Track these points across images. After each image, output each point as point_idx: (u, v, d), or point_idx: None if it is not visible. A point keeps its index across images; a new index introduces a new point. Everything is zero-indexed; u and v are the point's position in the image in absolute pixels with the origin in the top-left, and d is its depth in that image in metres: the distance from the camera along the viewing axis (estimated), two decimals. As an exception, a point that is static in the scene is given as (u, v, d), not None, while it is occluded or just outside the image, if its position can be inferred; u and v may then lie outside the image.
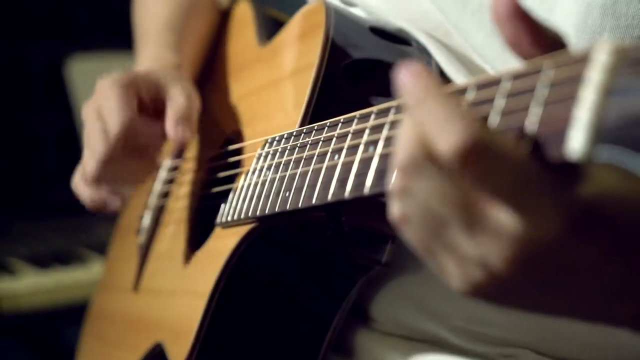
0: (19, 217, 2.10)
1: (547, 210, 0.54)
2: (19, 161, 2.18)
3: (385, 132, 0.72)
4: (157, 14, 1.24)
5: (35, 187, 2.17)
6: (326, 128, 0.82)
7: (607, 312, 0.61)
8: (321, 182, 0.79)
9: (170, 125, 1.03)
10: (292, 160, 0.86)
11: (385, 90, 0.92)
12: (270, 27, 1.12)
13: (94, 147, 1.04)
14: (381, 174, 0.70)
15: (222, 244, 0.96)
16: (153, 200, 1.21)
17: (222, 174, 1.04)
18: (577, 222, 0.55)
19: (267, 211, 0.88)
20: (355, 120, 0.78)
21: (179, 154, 1.18)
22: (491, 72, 0.91)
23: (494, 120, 0.59)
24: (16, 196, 2.16)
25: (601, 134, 0.51)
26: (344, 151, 0.77)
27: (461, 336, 0.93)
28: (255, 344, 0.96)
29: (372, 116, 0.75)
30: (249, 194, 0.92)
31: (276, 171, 0.88)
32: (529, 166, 0.55)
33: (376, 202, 0.72)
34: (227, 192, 0.99)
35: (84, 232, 2.01)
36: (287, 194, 0.85)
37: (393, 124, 0.71)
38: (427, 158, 0.57)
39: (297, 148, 0.86)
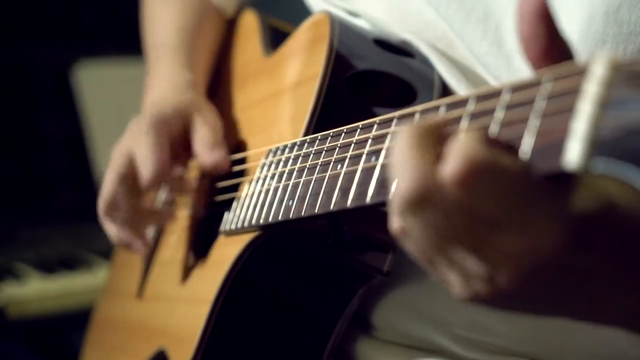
0: (26, 222, 2.11)
1: (549, 225, 0.55)
2: (26, 166, 2.19)
3: (387, 143, 0.73)
4: (168, 26, 1.25)
5: (42, 192, 2.18)
6: (329, 138, 0.83)
7: (611, 311, 0.62)
8: (324, 191, 0.80)
9: (205, 152, 1.04)
10: (296, 169, 0.87)
11: (388, 101, 0.93)
12: (275, 37, 1.13)
13: (106, 188, 1.07)
14: (383, 183, 0.71)
15: (225, 251, 0.97)
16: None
17: (226, 183, 1.05)
18: (578, 233, 0.56)
19: (270, 219, 0.88)
20: (358, 130, 0.78)
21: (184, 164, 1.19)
22: (493, 83, 0.92)
23: (494, 131, 0.60)
24: (23, 201, 2.17)
25: (598, 145, 0.52)
26: (347, 161, 0.78)
27: (462, 345, 0.94)
28: (257, 351, 0.96)
29: (375, 126, 0.76)
30: (252, 202, 0.93)
31: (280, 180, 0.89)
32: (527, 183, 0.56)
33: (378, 212, 0.73)
34: (231, 200, 1.00)
35: (91, 237, 2.02)
36: (290, 203, 0.85)
37: (395, 135, 0.72)
38: (425, 187, 0.58)
39: (300, 157, 0.87)
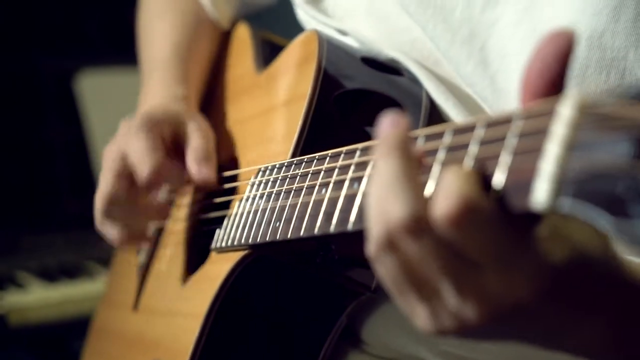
0: (28, 231, 2.13)
1: (529, 273, 0.56)
2: (28, 174, 2.21)
3: (369, 170, 0.74)
4: (162, 41, 1.26)
5: (44, 200, 2.19)
6: (315, 161, 0.84)
7: (581, 345, 0.63)
8: (309, 215, 0.81)
9: (193, 166, 1.05)
10: (283, 191, 0.88)
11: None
12: (267, 52, 1.14)
13: (104, 187, 1.08)
14: (364, 211, 0.72)
15: (216, 268, 0.98)
16: (157, 204, 1.23)
17: (217, 200, 1.06)
18: (554, 284, 0.57)
19: (258, 240, 0.90)
20: (342, 156, 0.80)
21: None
22: (479, 102, 0.93)
23: (468, 165, 0.61)
24: (25, 209, 2.18)
25: (564, 187, 0.53)
26: (331, 185, 0.79)
27: (449, 361, 0.95)
28: (247, 366, 0.98)
29: (358, 152, 0.77)
30: (241, 221, 0.95)
31: (267, 201, 0.91)
32: (499, 227, 0.56)
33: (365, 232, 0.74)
34: (223, 217, 1.01)
35: (92, 245, 2.03)
36: (277, 224, 0.87)
37: (378, 163, 0.73)
38: (415, 219, 0.59)
39: (287, 179, 0.88)
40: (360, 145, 0.77)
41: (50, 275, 1.98)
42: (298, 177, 0.86)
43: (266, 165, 0.95)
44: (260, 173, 0.95)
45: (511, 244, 0.57)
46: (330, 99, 0.93)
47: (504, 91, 0.89)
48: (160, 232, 1.22)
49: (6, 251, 2.02)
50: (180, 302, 1.07)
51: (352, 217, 0.73)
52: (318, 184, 0.82)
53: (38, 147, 2.18)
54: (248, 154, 1.06)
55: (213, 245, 1.01)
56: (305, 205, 0.82)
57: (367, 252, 0.64)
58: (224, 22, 1.30)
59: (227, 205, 1.02)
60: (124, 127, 1.09)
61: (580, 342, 0.63)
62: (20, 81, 2.21)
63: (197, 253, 1.09)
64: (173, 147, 1.09)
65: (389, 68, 0.98)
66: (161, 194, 1.12)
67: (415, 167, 0.61)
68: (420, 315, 0.62)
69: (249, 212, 0.94)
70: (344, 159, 0.79)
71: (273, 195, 0.90)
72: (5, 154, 2.15)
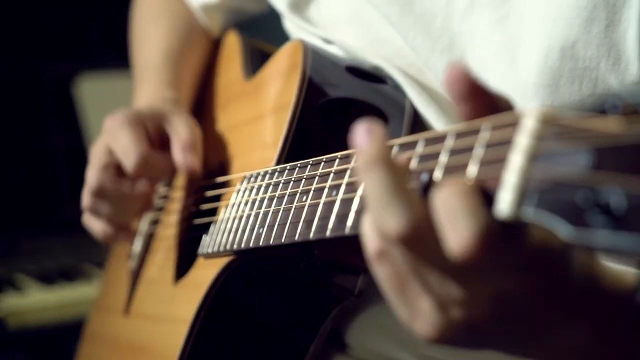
0: (28, 234, 2.14)
1: (484, 291, 0.59)
2: (28, 177, 2.22)
3: (346, 178, 0.75)
4: (155, 48, 1.28)
5: (43, 204, 2.21)
6: (297, 169, 0.86)
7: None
8: (290, 222, 0.82)
9: (179, 154, 1.07)
10: (267, 197, 0.89)
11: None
12: (256, 60, 1.15)
13: (90, 181, 1.09)
14: (342, 218, 0.74)
15: (203, 274, 1.00)
16: (144, 227, 1.24)
17: (205, 206, 1.08)
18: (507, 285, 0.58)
19: (242, 246, 0.91)
20: (323, 164, 0.81)
21: (169, 182, 1.22)
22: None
23: (438, 175, 0.62)
24: (25, 213, 2.20)
25: (527, 196, 0.54)
26: (311, 193, 0.80)
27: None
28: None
29: (337, 161, 0.78)
30: (227, 227, 0.96)
31: (252, 207, 0.92)
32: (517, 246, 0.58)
33: (348, 237, 0.75)
34: (210, 223, 1.03)
35: (91, 249, 2.05)
36: (260, 231, 0.88)
37: (354, 170, 0.74)
38: (388, 243, 0.61)
39: (271, 186, 0.90)
40: (339, 154, 0.79)
41: (49, 278, 1.99)
42: (281, 184, 0.88)
43: (252, 172, 0.96)
44: (246, 180, 0.97)
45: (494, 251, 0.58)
46: (315, 107, 0.95)
47: None
48: (151, 237, 1.23)
49: (5, 254, 2.04)
50: (169, 307, 1.09)
51: (331, 224, 0.75)
52: (299, 191, 0.83)
53: (38, 151, 2.20)
54: (235, 160, 1.08)
55: (200, 250, 1.02)
56: (287, 212, 0.84)
57: (367, 247, 0.64)
58: (215, 30, 1.32)
59: (213, 212, 1.04)
60: (108, 122, 1.11)
61: (559, 348, 0.64)
62: (20, 85, 2.22)
63: (186, 258, 1.10)
64: (158, 141, 1.11)
65: (373, 76, 1.00)
66: (147, 186, 1.14)
67: (401, 176, 0.60)
68: (425, 311, 0.63)
69: (234, 219, 0.95)
70: (324, 167, 0.80)
71: (257, 202, 0.91)
72: (5, 158, 2.16)
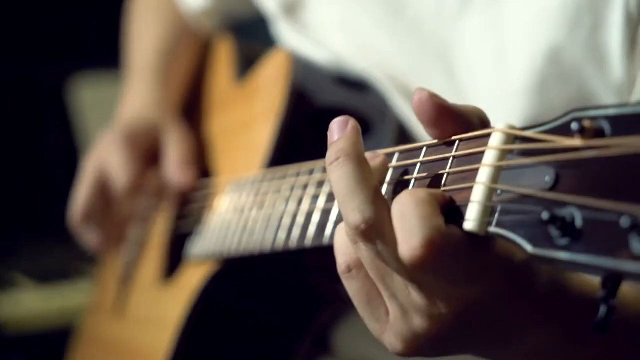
0: (26, 235, 2.15)
1: (463, 281, 0.59)
2: (26, 180, 2.23)
3: (326, 187, 0.77)
4: (146, 48, 1.30)
5: (41, 206, 2.22)
6: (280, 177, 0.87)
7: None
8: (272, 230, 0.84)
9: (171, 173, 1.09)
10: (250, 205, 0.91)
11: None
12: (246, 66, 1.16)
13: (81, 198, 1.13)
14: (321, 228, 0.75)
15: (189, 277, 1.01)
16: (135, 231, 1.26)
17: (192, 210, 1.10)
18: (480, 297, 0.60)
19: (226, 252, 0.93)
20: (305, 173, 0.82)
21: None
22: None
23: (411, 185, 0.64)
24: (22, 215, 2.21)
25: (491, 211, 0.56)
26: (293, 202, 0.82)
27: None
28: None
29: (319, 169, 0.80)
30: (212, 233, 0.98)
31: (236, 214, 0.93)
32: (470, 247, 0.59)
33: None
34: (197, 225, 1.05)
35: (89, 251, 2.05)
36: (243, 238, 0.90)
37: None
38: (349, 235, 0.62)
39: (253, 194, 0.91)
40: (320, 163, 0.80)
41: (48, 280, 1.99)
42: (263, 192, 0.89)
43: (237, 179, 0.97)
44: (231, 186, 0.98)
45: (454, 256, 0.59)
46: (300, 115, 0.96)
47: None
48: (141, 240, 1.25)
49: (3, 256, 2.05)
50: (157, 309, 1.11)
51: (310, 233, 0.76)
52: (280, 200, 0.85)
53: (34, 152, 2.21)
54: (222, 165, 1.09)
55: (187, 254, 1.04)
56: (269, 220, 0.85)
57: (338, 263, 0.66)
58: (206, 33, 1.33)
59: (200, 215, 1.06)
60: (104, 140, 1.13)
61: (528, 352, 0.66)
62: (16, 88, 2.23)
63: (174, 261, 1.12)
64: (152, 155, 1.13)
65: (359, 85, 1.01)
66: (139, 203, 1.16)
67: (367, 172, 0.61)
68: (388, 331, 0.64)
69: (219, 224, 0.97)
70: (306, 176, 0.82)
71: (241, 209, 0.93)
72: (4, 160, 2.17)
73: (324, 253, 0.93)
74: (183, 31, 1.32)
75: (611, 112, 0.50)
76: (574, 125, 0.51)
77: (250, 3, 1.25)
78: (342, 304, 0.97)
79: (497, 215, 0.56)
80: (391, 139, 0.96)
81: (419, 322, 0.62)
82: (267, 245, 0.84)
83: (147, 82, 1.25)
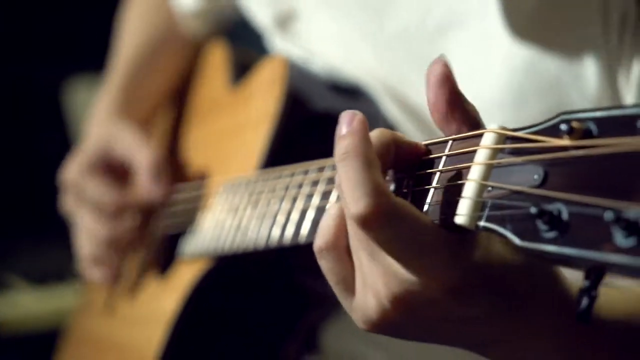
0: (21, 237, 2.16)
1: (437, 272, 0.61)
2: (21, 181, 2.24)
3: (320, 186, 0.79)
4: (126, 49, 1.34)
5: (37, 207, 2.22)
6: (274, 178, 0.90)
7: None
8: (265, 227, 0.86)
9: (144, 187, 1.14)
10: (242, 204, 0.94)
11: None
12: (240, 70, 1.19)
13: (93, 232, 1.17)
14: (316, 224, 0.77)
15: (182, 274, 1.04)
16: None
17: (186, 209, 1.12)
18: (461, 285, 0.62)
19: (220, 250, 0.95)
20: (299, 173, 0.85)
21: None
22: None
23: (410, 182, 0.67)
24: (18, 216, 2.21)
25: (482, 207, 0.59)
26: (287, 201, 0.84)
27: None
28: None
29: (313, 170, 0.83)
30: (205, 231, 1.00)
31: (228, 213, 0.96)
32: (425, 232, 0.61)
33: None
34: (191, 225, 1.07)
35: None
36: (237, 236, 0.92)
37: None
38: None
39: (247, 194, 0.94)
40: (315, 164, 0.83)
41: (44, 282, 1.99)
42: (258, 192, 0.92)
43: (231, 179, 1.00)
44: (225, 187, 1.01)
45: (428, 249, 0.61)
46: (294, 120, 0.99)
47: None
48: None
49: (1, 257, 2.05)
50: (150, 306, 1.13)
51: (304, 230, 0.79)
52: (275, 198, 0.87)
53: (29, 155, 2.22)
54: (217, 167, 1.12)
55: (180, 253, 1.06)
56: (262, 217, 0.88)
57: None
58: (198, 36, 1.35)
59: (194, 214, 1.08)
60: (68, 178, 1.19)
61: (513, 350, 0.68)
62: (12, 90, 2.24)
63: (167, 259, 1.14)
64: (121, 171, 1.18)
65: (352, 91, 1.04)
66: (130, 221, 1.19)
67: (372, 166, 0.62)
68: (355, 307, 0.67)
69: (212, 223, 0.99)
70: (300, 176, 0.84)
71: (233, 208, 0.95)
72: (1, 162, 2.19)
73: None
74: (168, 35, 1.35)
75: (598, 114, 0.54)
76: (563, 126, 0.54)
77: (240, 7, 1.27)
78: (331, 303, 0.99)
79: (487, 210, 0.58)
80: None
81: (372, 302, 0.65)
82: (261, 242, 0.86)
83: (117, 92, 1.29)
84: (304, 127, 0.99)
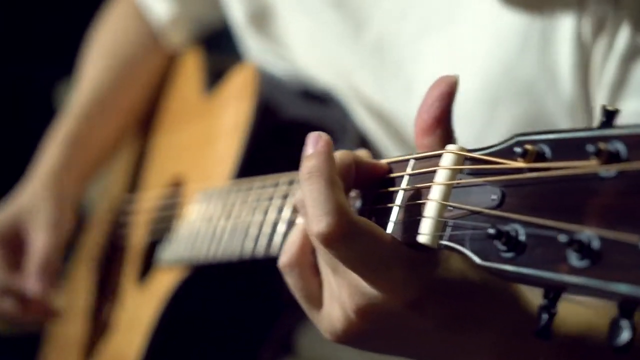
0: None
1: (398, 287, 0.63)
2: (16, 183, 2.24)
3: (290, 199, 0.81)
4: (84, 91, 1.36)
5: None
6: (244, 190, 0.91)
7: None
8: (238, 239, 0.88)
9: (30, 280, 1.16)
10: (217, 214, 0.95)
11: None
12: (214, 78, 1.20)
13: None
14: (287, 237, 0.79)
15: (161, 281, 1.06)
16: (112, 229, 1.30)
17: (164, 215, 1.13)
18: (421, 299, 0.64)
19: (195, 259, 0.97)
20: (270, 185, 0.86)
21: (133, 188, 1.28)
22: (411, 132, 1.00)
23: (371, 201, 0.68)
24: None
25: (445, 225, 0.60)
26: (257, 213, 0.86)
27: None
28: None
29: (284, 181, 0.84)
30: (181, 239, 1.02)
31: (203, 222, 0.98)
32: (385, 249, 0.63)
33: None
34: (168, 232, 1.08)
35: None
36: (211, 246, 0.94)
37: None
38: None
39: (221, 204, 0.95)
40: (285, 176, 0.84)
41: None
42: (231, 203, 0.93)
43: (205, 188, 1.01)
44: (200, 196, 1.02)
45: (389, 264, 0.63)
46: (265, 128, 1.00)
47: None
48: (118, 239, 1.28)
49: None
50: (130, 312, 1.14)
51: (276, 242, 0.80)
52: (248, 210, 0.89)
53: (22, 156, 2.21)
54: (192, 175, 1.13)
55: (158, 258, 1.08)
56: (235, 229, 0.89)
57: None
58: (176, 44, 1.35)
59: (171, 222, 1.10)
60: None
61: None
62: (5, 91, 2.24)
63: (147, 266, 1.16)
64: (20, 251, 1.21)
65: (322, 99, 1.05)
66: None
67: (334, 187, 0.63)
68: (321, 319, 0.69)
69: (187, 232, 1.01)
70: (271, 188, 0.86)
71: (208, 217, 0.97)
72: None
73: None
74: (139, 55, 1.35)
75: (551, 137, 0.55)
76: (517, 149, 0.56)
77: (218, 9, 1.27)
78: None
79: (448, 229, 0.60)
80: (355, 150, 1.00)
81: (338, 313, 0.67)
82: (235, 254, 0.88)
83: (67, 137, 1.30)
84: (276, 135, 1.00)
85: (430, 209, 0.61)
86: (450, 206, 0.61)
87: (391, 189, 0.67)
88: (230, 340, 1.03)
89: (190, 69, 1.27)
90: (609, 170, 0.50)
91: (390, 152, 1.00)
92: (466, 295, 0.65)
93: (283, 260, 0.70)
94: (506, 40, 0.89)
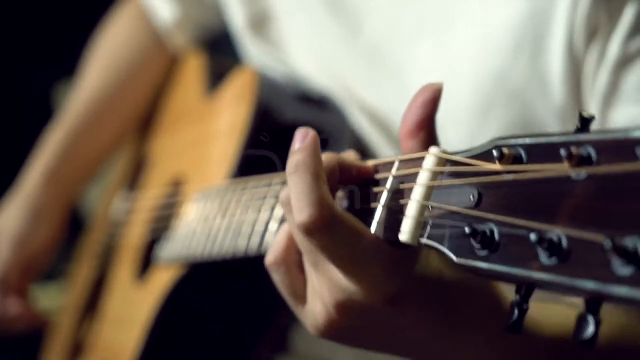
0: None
1: (377, 282, 0.66)
2: (12, 184, 2.26)
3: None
4: (78, 102, 1.39)
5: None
6: (240, 190, 0.94)
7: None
8: (232, 238, 0.90)
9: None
10: (213, 213, 0.98)
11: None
12: (215, 80, 1.23)
13: None
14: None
15: (158, 279, 1.08)
16: (112, 228, 1.32)
17: (163, 213, 1.16)
18: (400, 295, 0.66)
19: (192, 256, 0.99)
20: (265, 185, 0.89)
21: (133, 187, 1.31)
22: None
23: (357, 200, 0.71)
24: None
25: (425, 224, 0.63)
26: (250, 212, 0.88)
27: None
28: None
29: (273, 183, 0.86)
30: (178, 238, 1.04)
31: (200, 221, 1.00)
32: (365, 243, 0.65)
33: None
34: (167, 230, 1.11)
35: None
36: (208, 244, 0.96)
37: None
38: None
39: (217, 203, 0.98)
40: (278, 177, 0.87)
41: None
42: (227, 201, 0.96)
43: (203, 188, 1.04)
44: (198, 195, 1.05)
45: (369, 259, 0.65)
46: (263, 130, 1.03)
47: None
48: (118, 237, 1.31)
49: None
50: (128, 309, 1.17)
51: (267, 240, 0.83)
52: (242, 209, 0.91)
53: (18, 159, 2.24)
54: (191, 175, 1.16)
55: (156, 255, 1.10)
56: (229, 227, 0.92)
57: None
58: (180, 46, 1.37)
59: (169, 221, 1.12)
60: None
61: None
62: (2, 94, 2.26)
63: (146, 264, 1.18)
64: None
65: (320, 102, 1.07)
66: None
67: (319, 180, 0.65)
68: (306, 315, 0.71)
69: (184, 230, 1.03)
70: (264, 188, 0.88)
71: (204, 216, 0.99)
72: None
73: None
74: (143, 60, 1.37)
75: (527, 141, 0.57)
76: (495, 152, 0.58)
77: (219, 14, 1.29)
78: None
79: (428, 228, 0.63)
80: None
81: (319, 308, 0.69)
82: (229, 252, 0.90)
83: (59, 149, 1.35)
84: (274, 137, 1.03)
85: (412, 209, 0.64)
86: (431, 206, 0.63)
87: (376, 189, 0.69)
88: (227, 338, 1.06)
89: (192, 71, 1.30)
90: (579, 173, 0.52)
91: (386, 154, 1.02)
92: (443, 292, 0.68)
93: (269, 259, 0.73)
94: (498, 46, 0.91)
